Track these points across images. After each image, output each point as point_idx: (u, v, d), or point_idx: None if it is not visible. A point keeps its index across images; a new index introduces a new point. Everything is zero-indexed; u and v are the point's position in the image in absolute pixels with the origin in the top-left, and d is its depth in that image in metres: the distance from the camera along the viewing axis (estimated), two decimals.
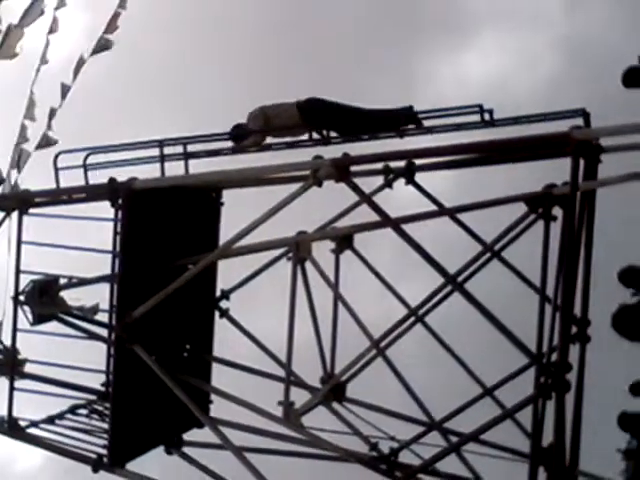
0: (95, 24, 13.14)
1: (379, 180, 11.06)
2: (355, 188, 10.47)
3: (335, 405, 12.55)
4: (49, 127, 12.28)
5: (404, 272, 13.21)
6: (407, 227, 10.45)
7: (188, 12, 21.53)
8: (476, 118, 10.28)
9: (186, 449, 12.77)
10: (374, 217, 10.73)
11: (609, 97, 13.48)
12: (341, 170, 10.34)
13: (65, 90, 12.33)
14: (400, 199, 11.41)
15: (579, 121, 9.81)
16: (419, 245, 10.34)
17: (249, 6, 22.00)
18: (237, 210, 12.40)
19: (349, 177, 10.38)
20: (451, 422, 12.00)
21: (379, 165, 10.78)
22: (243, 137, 12.00)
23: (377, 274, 11.96)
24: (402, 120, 11.14)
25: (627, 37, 19.65)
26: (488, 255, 11.13)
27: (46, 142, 12.36)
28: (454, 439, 11.88)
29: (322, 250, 11.75)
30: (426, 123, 10.60)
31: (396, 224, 10.41)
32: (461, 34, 23.76)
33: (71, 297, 12.42)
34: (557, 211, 10.49)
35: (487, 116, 10.22)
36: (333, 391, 12.51)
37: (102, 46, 12.47)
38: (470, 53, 24.44)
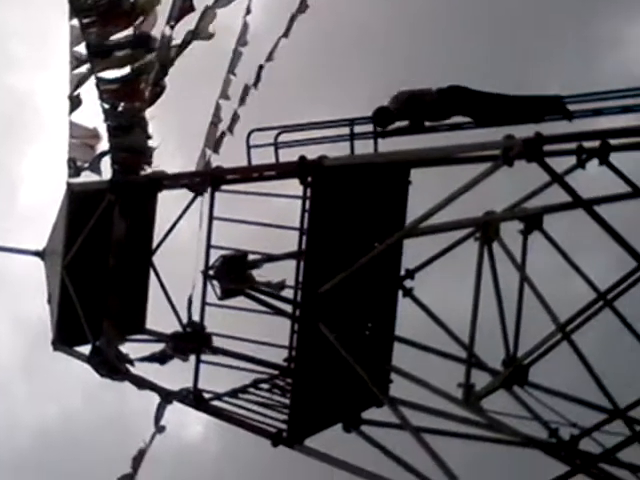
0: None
1: (568, 161, 10.87)
2: (547, 168, 10.33)
3: (516, 389, 12.46)
4: (241, 104, 12.55)
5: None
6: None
7: None
8: None
9: (364, 428, 12.84)
10: (561, 199, 10.64)
11: None
12: (533, 149, 10.17)
13: (259, 72, 12.64)
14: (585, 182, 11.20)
15: None
16: (611, 227, 10.18)
17: None
18: (422, 190, 12.42)
19: (542, 157, 10.23)
20: (636, 410, 11.73)
21: (572, 145, 10.60)
22: (388, 121, 12.08)
23: (566, 257, 11.77)
24: (547, 108, 11.13)
25: None
26: None
27: (234, 119, 12.65)
28: (638, 428, 11.64)
29: (509, 231, 11.63)
30: (621, 102, 10.42)
31: (588, 205, 10.27)
32: None
33: (258, 274, 12.71)
34: None
35: None
36: (514, 374, 12.40)
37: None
38: None
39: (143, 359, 13.77)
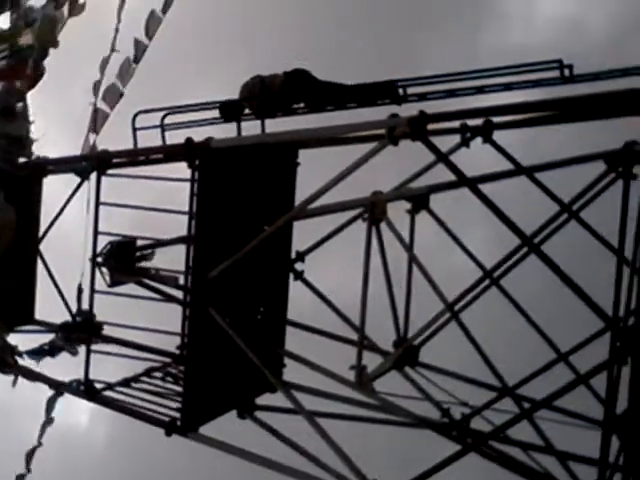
0: None
1: (454, 139, 10.95)
2: (431, 147, 10.36)
3: (407, 370, 12.53)
4: (121, 82, 12.33)
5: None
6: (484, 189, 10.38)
7: None
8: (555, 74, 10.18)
9: (258, 413, 12.79)
10: (449, 178, 10.70)
11: None
12: (417, 128, 10.17)
13: (139, 48, 12.43)
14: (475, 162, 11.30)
15: None
16: (496, 206, 10.23)
17: None
18: (313, 171, 12.40)
19: (426, 136, 10.26)
20: (524, 388, 11.88)
21: (455, 124, 10.67)
22: (233, 115, 12.09)
23: (453, 236, 11.85)
24: (379, 93, 11.37)
25: None
26: (565, 216, 11.04)
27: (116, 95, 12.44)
28: (527, 405, 11.78)
29: (397, 211, 11.68)
30: (504, 80, 10.51)
31: (473, 183, 10.33)
32: None
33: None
34: (638, 169, 10.40)
35: (567, 72, 10.11)
36: (405, 355, 12.47)
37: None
38: None
39: (32, 352, 13.52)
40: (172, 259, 12.33)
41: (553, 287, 10.36)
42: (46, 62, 13.02)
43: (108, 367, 13.09)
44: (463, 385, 12.36)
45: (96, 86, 12.78)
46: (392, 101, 11.25)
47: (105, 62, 12.69)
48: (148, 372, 13.12)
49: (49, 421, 13.72)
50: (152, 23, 12.36)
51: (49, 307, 13.68)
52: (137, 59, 12.48)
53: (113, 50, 12.55)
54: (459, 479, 11.41)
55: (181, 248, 12.23)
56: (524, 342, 12.28)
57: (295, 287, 12.80)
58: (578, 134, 11.03)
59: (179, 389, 12.56)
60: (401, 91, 11.05)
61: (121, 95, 12.65)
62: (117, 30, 12.58)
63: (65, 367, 13.37)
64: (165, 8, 12.44)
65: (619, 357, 10.17)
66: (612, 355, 10.38)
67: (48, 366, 13.52)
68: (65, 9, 12.75)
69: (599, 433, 10.47)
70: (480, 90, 10.56)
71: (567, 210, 10.97)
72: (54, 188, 13.37)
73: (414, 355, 12.44)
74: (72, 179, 12.81)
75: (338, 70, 12.12)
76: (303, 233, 12.58)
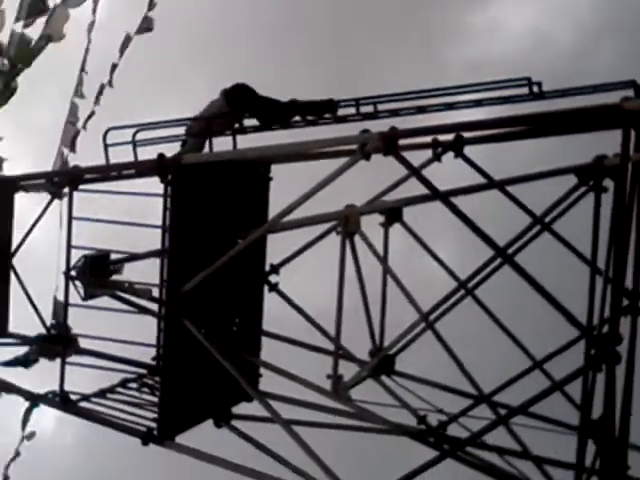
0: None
1: (427, 154, 10.98)
2: (404, 161, 10.39)
3: (383, 378, 12.62)
4: (96, 103, 12.39)
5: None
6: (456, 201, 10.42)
7: None
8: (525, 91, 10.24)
9: (235, 422, 12.84)
10: (423, 192, 10.74)
11: None
12: (389, 143, 10.24)
13: (113, 68, 12.45)
14: (448, 176, 11.35)
15: (630, 93, 9.74)
16: (468, 218, 10.29)
17: None
18: (287, 185, 12.42)
19: (397, 150, 10.31)
20: (500, 395, 11.97)
21: (427, 139, 10.71)
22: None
23: (427, 248, 11.93)
24: (320, 110, 11.52)
25: None
26: (538, 228, 11.12)
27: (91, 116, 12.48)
28: (503, 412, 11.87)
29: (371, 224, 11.74)
30: (474, 96, 10.56)
31: (445, 197, 10.38)
32: None
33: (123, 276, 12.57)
34: (608, 183, 10.47)
35: (536, 88, 10.19)
36: (382, 364, 12.57)
37: (145, 28, 12.57)
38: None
39: (5, 363, 13.50)
40: (145, 273, 12.31)
41: (527, 298, 10.46)
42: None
43: (83, 380, 13.06)
44: (439, 393, 12.46)
45: (72, 107, 12.75)
46: (334, 120, 11.31)
47: (79, 83, 12.67)
48: (124, 383, 13.12)
49: (30, 435, 13.71)
50: (126, 44, 12.37)
51: (23, 321, 13.64)
52: (111, 83, 12.53)
53: (83, 70, 12.52)
54: None
55: (155, 262, 12.19)
56: (499, 351, 12.38)
57: (271, 299, 12.85)
58: (543, 148, 11.12)
59: (155, 399, 12.58)
60: (372, 108, 11.07)
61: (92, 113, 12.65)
62: (87, 51, 12.55)
63: (40, 380, 13.34)
64: (140, 30, 12.46)
65: (594, 364, 10.25)
66: (587, 362, 10.47)
67: (22, 378, 13.48)
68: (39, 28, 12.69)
69: (575, 438, 10.55)
70: (451, 106, 10.61)
71: (539, 222, 11.05)
72: (27, 202, 13.32)
73: (390, 364, 12.62)
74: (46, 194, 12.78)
75: (302, 86, 12.11)
76: (278, 246, 12.61)
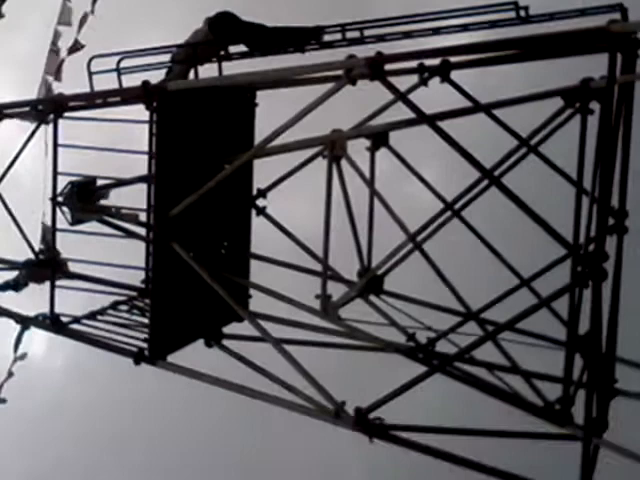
0: None
1: (413, 80, 10.91)
2: (390, 86, 10.36)
3: (373, 298, 12.76)
4: (79, 31, 12.24)
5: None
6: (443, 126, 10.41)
7: None
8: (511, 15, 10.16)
9: (226, 342, 12.96)
10: (409, 116, 10.71)
11: None
12: (375, 69, 10.21)
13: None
14: (436, 101, 11.29)
15: (616, 16, 9.68)
16: (455, 140, 10.30)
17: None
18: (274, 113, 12.33)
19: (384, 75, 10.27)
20: (488, 313, 12.11)
21: (414, 64, 10.63)
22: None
23: (413, 170, 11.96)
24: (306, 36, 11.37)
25: None
26: (524, 150, 11.15)
27: (76, 46, 12.34)
28: (491, 328, 12.03)
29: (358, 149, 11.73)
30: (461, 21, 10.48)
31: (432, 121, 10.38)
32: None
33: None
34: (594, 105, 10.48)
35: (522, 13, 10.10)
36: (370, 284, 12.69)
37: None
38: None
39: None
40: (131, 199, 12.32)
41: (514, 219, 10.52)
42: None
43: (75, 304, 13.13)
44: (428, 312, 12.58)
45: (56, 34, 12.57)
46: (321, 47, 11.24)
47: (63, 12, 12.48)
48: (114, 305, 13.23)
49: (21, 356, 13.82)
50: None
51: (12, 248, 13.66)
52: (93, 11, 12.36)
53: None
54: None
55: (141, 188, 12.19)
56: (488, 271, 12.47)
57: (259, 224, 12.88)
58: (528, 74, 11.07)
59: (145, 320, 12.69)
60: (358, 33, 10.96)
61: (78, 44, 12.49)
62: None
63: (32, 304, 13.41)
64: None
65: (580, 281, 10.37)
66: (574, 279, 10.59)
67: (14, 304, 13.55)
68: None
69: (562, 354, 10.72)
70: (437, 31, 10.52)
71: (526, 144, 11.07)
72: (11, 130, 13.22)
73: (378, 284, 12.73)
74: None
75: (293, 12, 11.96)
76: (267, 173, 12.60)
